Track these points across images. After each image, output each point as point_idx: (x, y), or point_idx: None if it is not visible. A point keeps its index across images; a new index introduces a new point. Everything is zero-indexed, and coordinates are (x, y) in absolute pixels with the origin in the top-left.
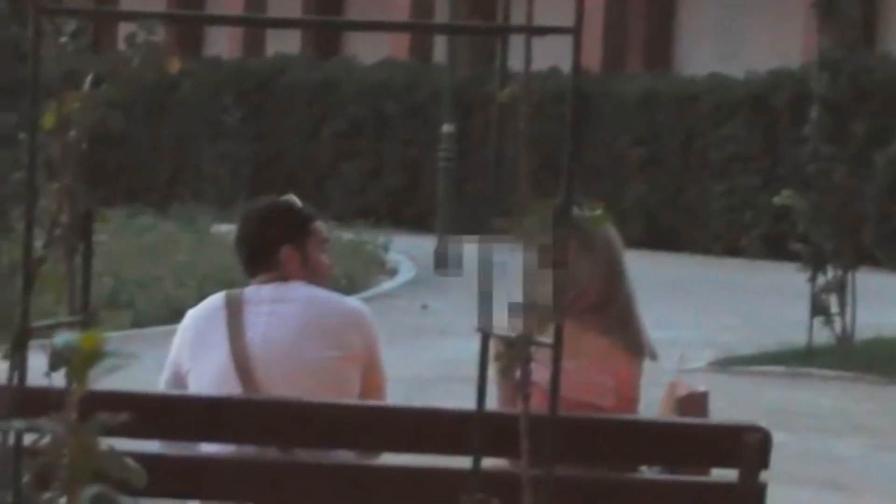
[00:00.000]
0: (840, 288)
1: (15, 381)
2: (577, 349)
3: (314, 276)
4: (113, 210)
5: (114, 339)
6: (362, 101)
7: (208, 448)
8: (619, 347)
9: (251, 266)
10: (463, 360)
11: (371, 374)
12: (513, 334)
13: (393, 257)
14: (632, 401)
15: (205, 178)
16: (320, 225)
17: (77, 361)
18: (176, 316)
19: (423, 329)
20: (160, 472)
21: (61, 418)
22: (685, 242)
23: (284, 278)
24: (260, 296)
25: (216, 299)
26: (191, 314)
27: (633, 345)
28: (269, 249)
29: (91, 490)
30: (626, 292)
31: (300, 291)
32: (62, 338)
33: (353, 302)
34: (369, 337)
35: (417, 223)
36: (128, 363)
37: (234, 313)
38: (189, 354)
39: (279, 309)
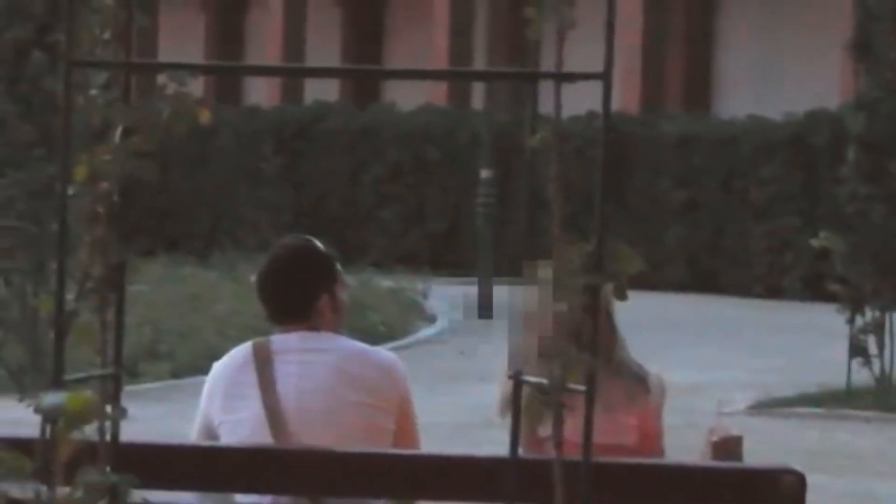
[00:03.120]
0: (878, 329)
1: (48, 433)
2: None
3: (339, 319)
4: (154, 259)
5: (153, 389)
6: (402, 147)
7: (243, 500)
8: (632, 386)
9: (283, 315)
10: None
11: (405, 425)
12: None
13: (433, 303)
14: (654, 437)
15: (245, 226)
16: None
17: (63, 422)
18: None
19: (463, 375)
20: None
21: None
22: (726, 284)
23: (315, 328)
24: (288, 345)
25: (244, 350)
26: (219, 366)
27: (643, 382)
28: (307, 299)
29: None
30: (621, 337)
31: (331, 342)
32: (50, 398)
33: (384, 353)
34: (401, 387)
35: (458, 268)
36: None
37: (264, 365)
38: (220, 407)
39: (310, 359)
